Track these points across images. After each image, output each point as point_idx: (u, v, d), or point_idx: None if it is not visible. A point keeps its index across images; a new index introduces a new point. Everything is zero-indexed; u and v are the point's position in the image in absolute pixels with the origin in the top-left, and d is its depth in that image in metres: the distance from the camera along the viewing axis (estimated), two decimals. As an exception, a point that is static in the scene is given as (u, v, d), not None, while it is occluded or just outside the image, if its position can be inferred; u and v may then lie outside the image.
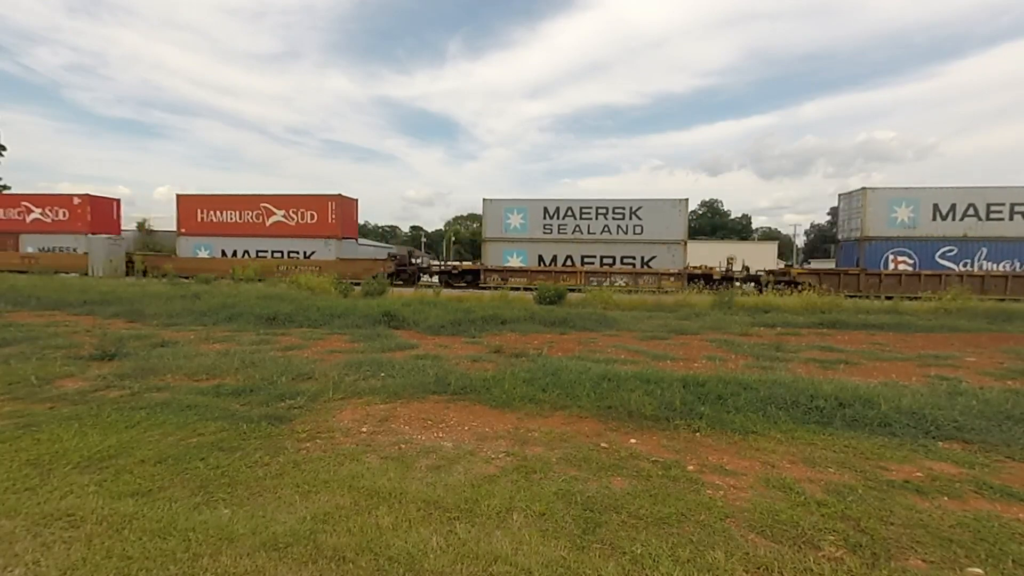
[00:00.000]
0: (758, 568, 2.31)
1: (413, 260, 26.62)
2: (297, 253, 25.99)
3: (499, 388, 5.16)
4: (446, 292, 16.65)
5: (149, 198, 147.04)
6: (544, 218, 23.57)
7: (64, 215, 27.89)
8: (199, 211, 26.70)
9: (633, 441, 3.97)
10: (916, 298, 16.18)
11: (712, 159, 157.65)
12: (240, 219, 26.51)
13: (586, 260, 23.40)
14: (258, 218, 26.30)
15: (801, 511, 2.84)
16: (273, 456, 3.53)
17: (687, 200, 23.03)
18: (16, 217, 28.46)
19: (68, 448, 3.55)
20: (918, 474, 3.40)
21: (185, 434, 3.94)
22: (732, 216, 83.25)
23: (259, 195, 26.47)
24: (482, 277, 23.64)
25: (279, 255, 26.09)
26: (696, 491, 3.09)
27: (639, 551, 2.41)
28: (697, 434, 4.12)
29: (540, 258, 23.69)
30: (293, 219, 26.01)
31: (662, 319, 11.87)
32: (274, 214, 26.20)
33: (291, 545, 2.43)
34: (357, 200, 27.58)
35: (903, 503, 2.97)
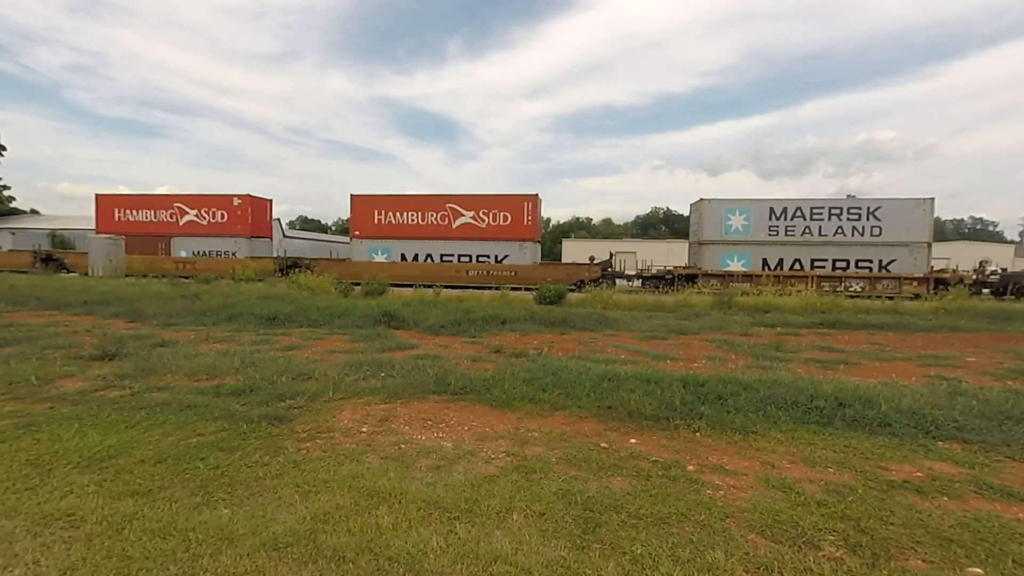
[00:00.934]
0: (758, 568, 2.31)
1: (611, 264, 24.94)
2: (487, 257, 24.22)
3: (499, 388, 5.16)
4: (446, 292, 16.64)
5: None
6: (770, 219, 22.42)
7: (222, 217, 26.76)
8: (376, 212, 25.06)
9: (633, 441, 3.97)
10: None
11: (712, 159, 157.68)
12: (422, 221, 24.77)
13: (816, 264, 22.14)
14: (443, 220, 24.58)
15: (801, 511, 2.84)
16: (273, 456, 3.53)
17: (932, 200, 21.47)
18: (168, 219, 27.19)
19: (68, 448, 3.55)
20: (918, 474, 3.40)
21: (185, 434, 3.94)
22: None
23: (445, 195, 24.99)
24: (699, 282, 22.36)
25: (466, 259, 24.43)
26: (696, 491, 3.09)
27: (639, 551, 2.41)
28: (697, 434, 4.12)
29: (764, 262, 22.55)
30: (483, 221, 24.24)
31: (662, 319, 11.87)
32: (462, 215, 24.47)
33: (291, 545, 2.43)
34: (540, 200, 25.53)
35: (903, 503, 2.97)
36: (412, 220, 25.08)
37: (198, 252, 26.83)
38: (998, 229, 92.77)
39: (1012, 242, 65.26)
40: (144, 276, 22.04)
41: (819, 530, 2.64)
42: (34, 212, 56.49)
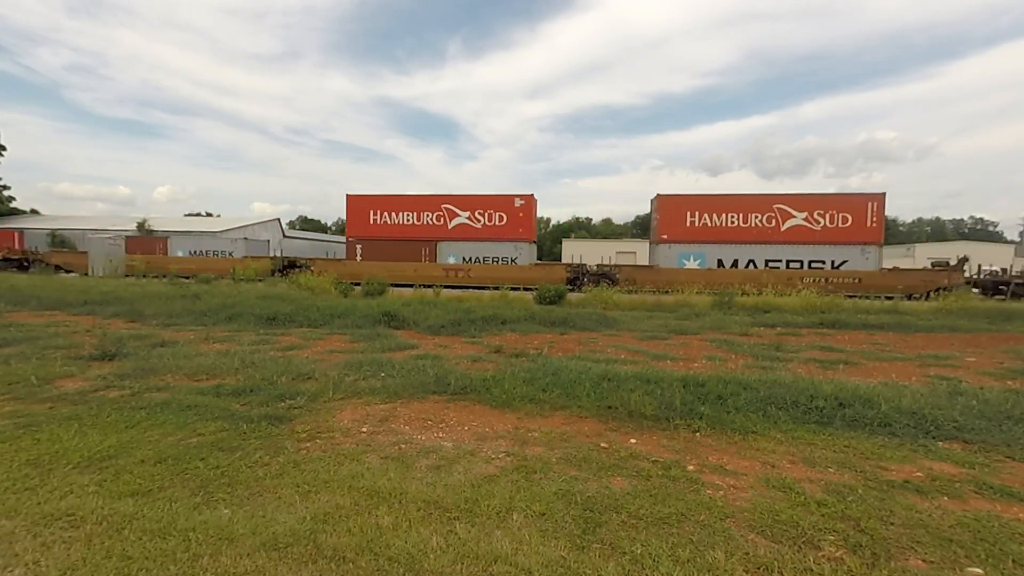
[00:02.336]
0: (758, 568, 2.31)
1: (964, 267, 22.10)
2: (822, 263, 21.57)
3: (499, 388, 5.16)
4: (446, 292, 16.65)
5: (149, 198, 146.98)
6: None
7: (501, 219, 24.14)
8: (688, 214, 22.90)
9: (633, 441, 3.97)
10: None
11: (712, 159, 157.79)
12: (744, 223, 22.30)
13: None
14: (770, 222, 22.20)
15: (801, 511, 2.84)
16: (273, 456, 3.53)
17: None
18: (434, 222, 24.78)
19: (68, 448, 3.55)
20: (918, 474, 3.40)
21: (185, 434, 3.93)
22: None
23: (774, 195, 22.44)
24: None
25: (796, 265, 21.76)
26: (696, 491, 3.09)
27: (639, 551, 2.41)
28: (697, 434, 4.12)
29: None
30: (819, 222, 21.59)
31: (662, 319, 11.87)
32: (792, 217, 22.01)
33: (291, 545, 2.43)
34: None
35: (903, 503, 2.97)
36: (731, 222, 22.53)
37: (470, 258, 24.27)
38: (998, 229, 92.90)
39: (1012, 242, 65.25)
40: (412, 285, 20.33)
41: (819, 530, 2.64)
42: (34, 212, 56.50)
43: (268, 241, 30.85)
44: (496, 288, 17.08)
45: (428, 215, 24.62)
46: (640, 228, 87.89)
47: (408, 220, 24.75)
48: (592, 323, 10.87)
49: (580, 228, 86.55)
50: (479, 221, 24.28)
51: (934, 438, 4.06)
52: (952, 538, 2.58)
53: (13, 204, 53.12)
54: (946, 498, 3.06)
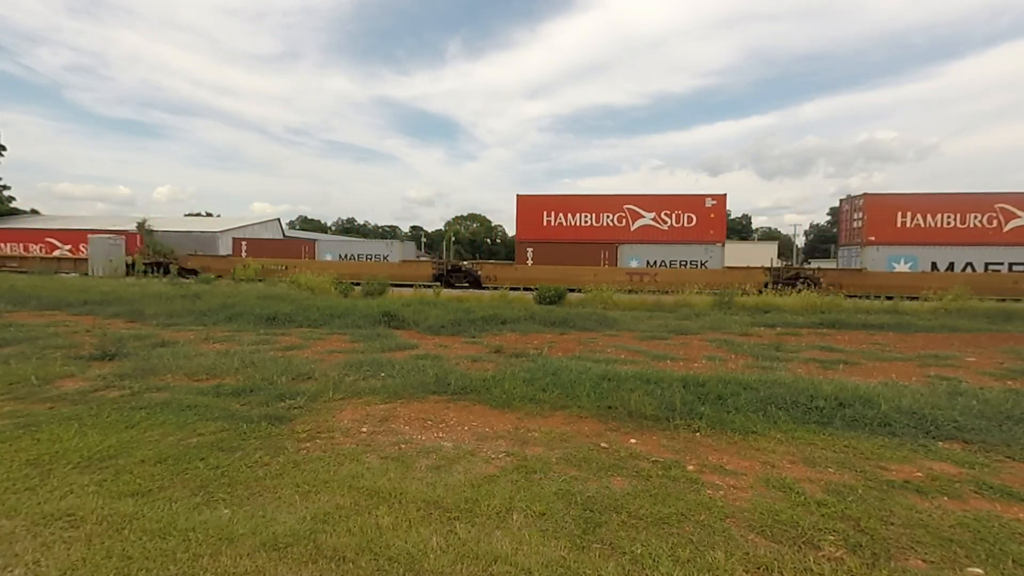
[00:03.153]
0: (758, 568, 2.31)
1: None
2: None
3: (499, 388, 5.16)
4: (446, 292, 16.65)
5: (149, 198, 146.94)
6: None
7: (689, 220, 22.86)
8: (899, 214, 21.54)
9: (633, 441, 3.97)
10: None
11: (712, 159, 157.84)
12: (962, 223, 21.08)
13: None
14: (991, 222, 21.10)
15: (801, 511, 2.84)
16: (273, 456, 3.53)
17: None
18: (615, 224, 23.48)
19: (68, 448, 3.55)
20: (918, 474, 3.40)
21: (185, 434, 3.93)
22: (732, 216, 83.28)
23: (995, 194, 21.35)
24: None
25: (1021, 268, 20.43)
26: (696, 491, 3.09)
27: (639, 551, 2.41)
28: (697, 434, 4.12)
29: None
30: None
31: (662, 319, 11.87)
32: (1016, 217, 20.66)
33: (291, 545, 2.43)
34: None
35: (903, 503, 2.97)
36: (947, 223, 21.47)
37: (654, 262, 22.91)
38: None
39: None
40: (576, 290, 17.92)
41: (819, 530, 2.64)
42: (34, 212, 56.49)
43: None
44: (678, 293, 15.87)
45: (608, 216, 23.43)
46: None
47: (586, 221, 23.56)
48: (592, 323, 10.87)
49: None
50: (665, 222, 23.00)
51: (934, 438, 4.06)
52: (952, 538, 2.58)
53: (13, 204, 53.11)
54: (946, 498, 3.06)
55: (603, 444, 3.88)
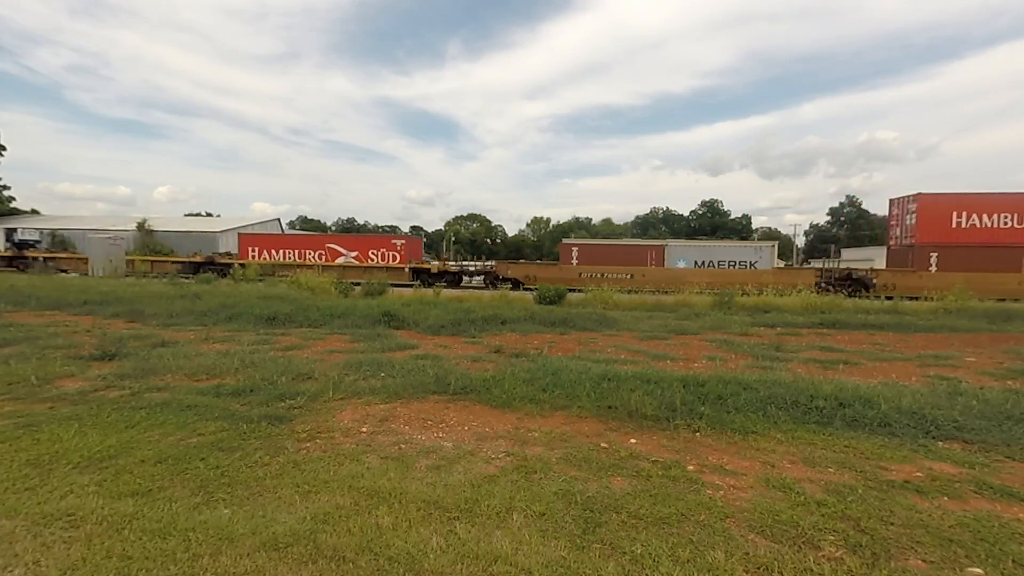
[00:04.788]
0: (758, 568, 2.31)
1: None
2: None
3: (499, 388, 5.16)
4: (446, 292, 16.65)
5: (149, 198, 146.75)
6: None
7: None
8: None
9: (633, 441, 3.96)
10: None
11: (713, 159, 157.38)
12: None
13: None
14: None
15: (801, 511, 2.84)
16: (273, 456, 3.53)
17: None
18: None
19: (68, 448, 3.55)
20: (918, 474, 3.39)
21: (185, 434, 3.93)
22: (732, 216, 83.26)
23: None
24: None
25: None
26: (696, 491, 3.09)
27: (639, 551, 2.41)
28: (697, 434, 4.12)
29: None
30: None
31: (662, 319, 11.87)
32: None
33: (291, 545, 2.43)
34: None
35: (903, 503, 2.97)
36: None
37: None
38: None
39: None
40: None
41: (819, 530, 2.64)
42: (34, 212, 56.50)
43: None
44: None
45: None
46: (640, 228, 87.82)
47: (1005, 223, 21.44)
48: (592, 323, 10.87)
49: (580, 228, 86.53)
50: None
51: (934, 438, 4.06)
52: (952, 538, 2.58)
53: (13, 204, 53.11)
54: (946, 498, 3.06)
55: (603, 444, 3.87)
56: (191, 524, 2.58)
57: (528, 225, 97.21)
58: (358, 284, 17.35)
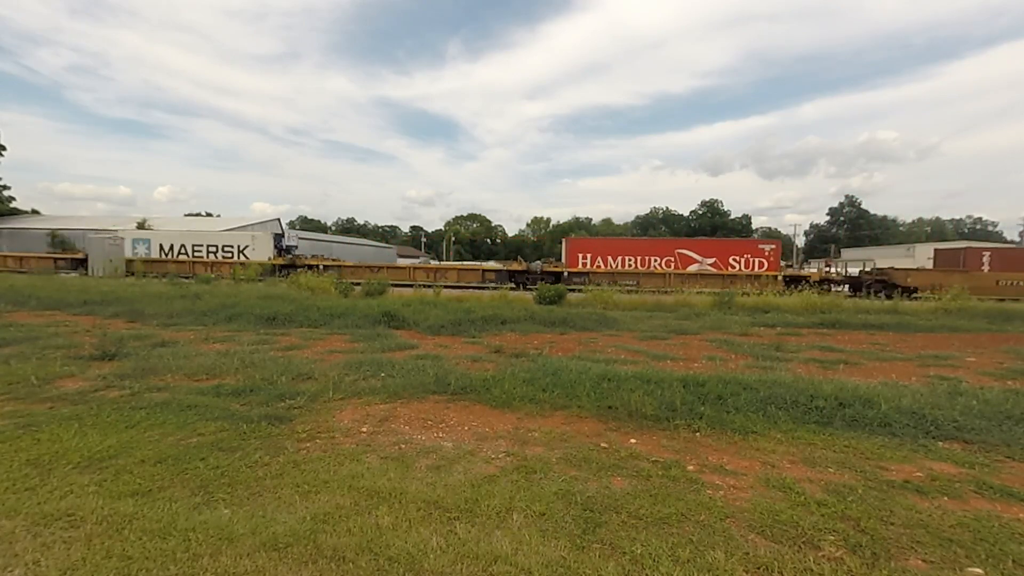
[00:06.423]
0: (758, 568, 2.31)
1: None
2: None
3: (499, 388, 5.16)
4: (446, 292, 16.65)
5: (149, 198, 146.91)
6: None
7: None
8: None
9: (633, 441, 3.96)
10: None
11: (713, 159, 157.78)
12: None
13: None
14: None
15: (801, 511, 2.84)
16: (273, 456, 3.52)
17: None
18: None
19: (68, 448, 3.55)
20: (918, 474, 3.39)
21: (185, 434, 3.93)
22: (732, 216, 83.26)
23: None
24: None
25: None
26: (696, 491, 3.09)
27: (639, 551, 2.41)
28: (697, 434, 4.12)
29: None
30: None
31: (662, 319, 11.87)
32: None
33: (291, 545, 2.43)
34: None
35: (903, 503, 2.97)
36: None
37: None
38: (997, 229, 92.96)
39: (1012, 242, 65.27)
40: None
41: (819, 530, 2.64)
42: (34, 212, 56.48)
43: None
44: None
45: None
46: (640, 228, 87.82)
47: None
48: (592, 323, 10.87)
49: (580, 228, 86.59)
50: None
51: (934, 438, 4.06)
52: (952, 538, 2.58)
53: (13, 204, 53.09)
54: (946, 498, 3.06)
55: (603, 444, 3.87)
56: (191, 524, 2.58)
57: (528, 225, 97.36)
58: (357, 284, 17.29)
